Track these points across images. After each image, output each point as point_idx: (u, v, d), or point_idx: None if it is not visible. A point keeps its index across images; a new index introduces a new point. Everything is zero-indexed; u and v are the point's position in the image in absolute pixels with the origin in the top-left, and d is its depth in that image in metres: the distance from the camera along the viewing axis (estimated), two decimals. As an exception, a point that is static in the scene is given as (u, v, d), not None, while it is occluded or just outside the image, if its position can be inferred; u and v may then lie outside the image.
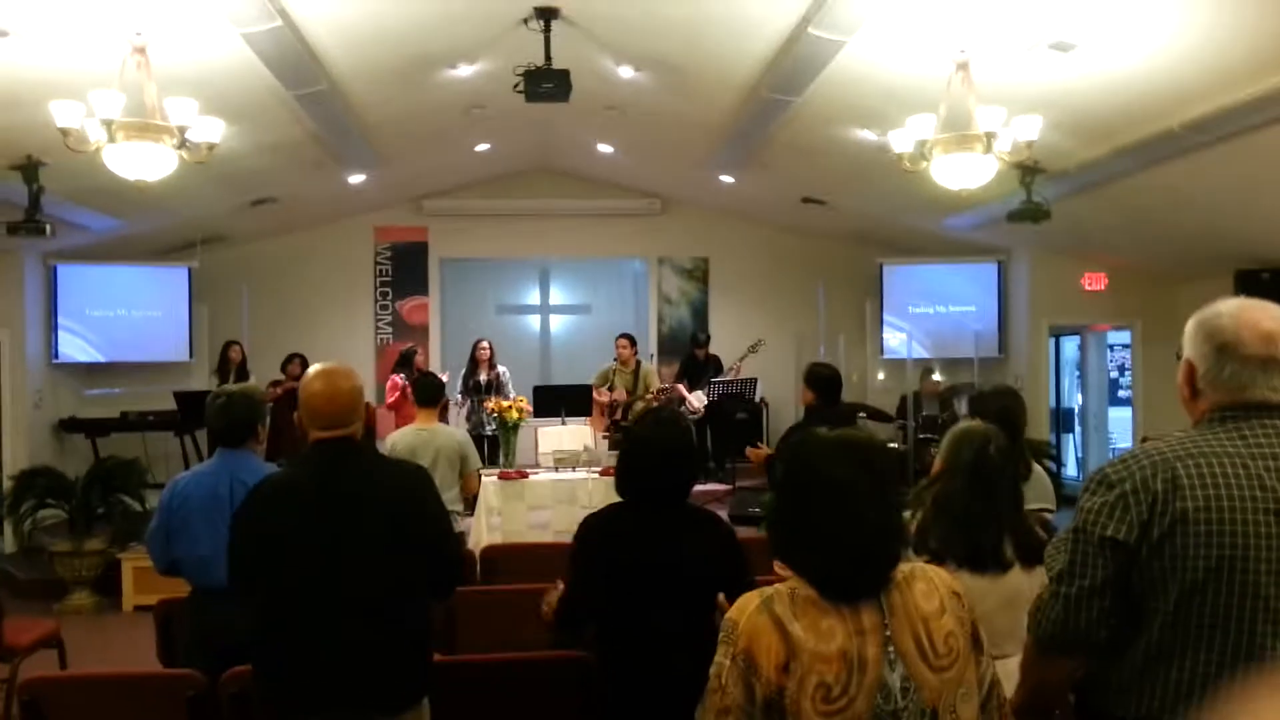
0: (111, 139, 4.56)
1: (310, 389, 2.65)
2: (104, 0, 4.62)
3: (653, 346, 11.51)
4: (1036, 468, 3.82)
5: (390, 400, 9.08)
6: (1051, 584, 1.93)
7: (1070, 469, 11.06)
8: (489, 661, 3.23)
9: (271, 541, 2.57)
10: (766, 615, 1.70)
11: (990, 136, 4.85)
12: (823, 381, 5.58)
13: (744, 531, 7.74)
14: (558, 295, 12.18)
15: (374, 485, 2.63)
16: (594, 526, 2.80)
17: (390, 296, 11.47)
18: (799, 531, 1.76)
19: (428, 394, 5.64)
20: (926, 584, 1.78)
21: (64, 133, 4.62)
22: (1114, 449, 10.98)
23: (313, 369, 2.73)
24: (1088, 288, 9.99)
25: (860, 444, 1.80)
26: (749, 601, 1.74)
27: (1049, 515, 3.72)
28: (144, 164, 4.68)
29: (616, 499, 7.25)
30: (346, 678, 2.51)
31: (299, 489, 2.63)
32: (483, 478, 6.90)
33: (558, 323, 12.17)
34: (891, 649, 1.68)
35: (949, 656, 1.72)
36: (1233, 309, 1.89)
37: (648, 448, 2.80)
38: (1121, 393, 11.41)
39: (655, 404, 9.33)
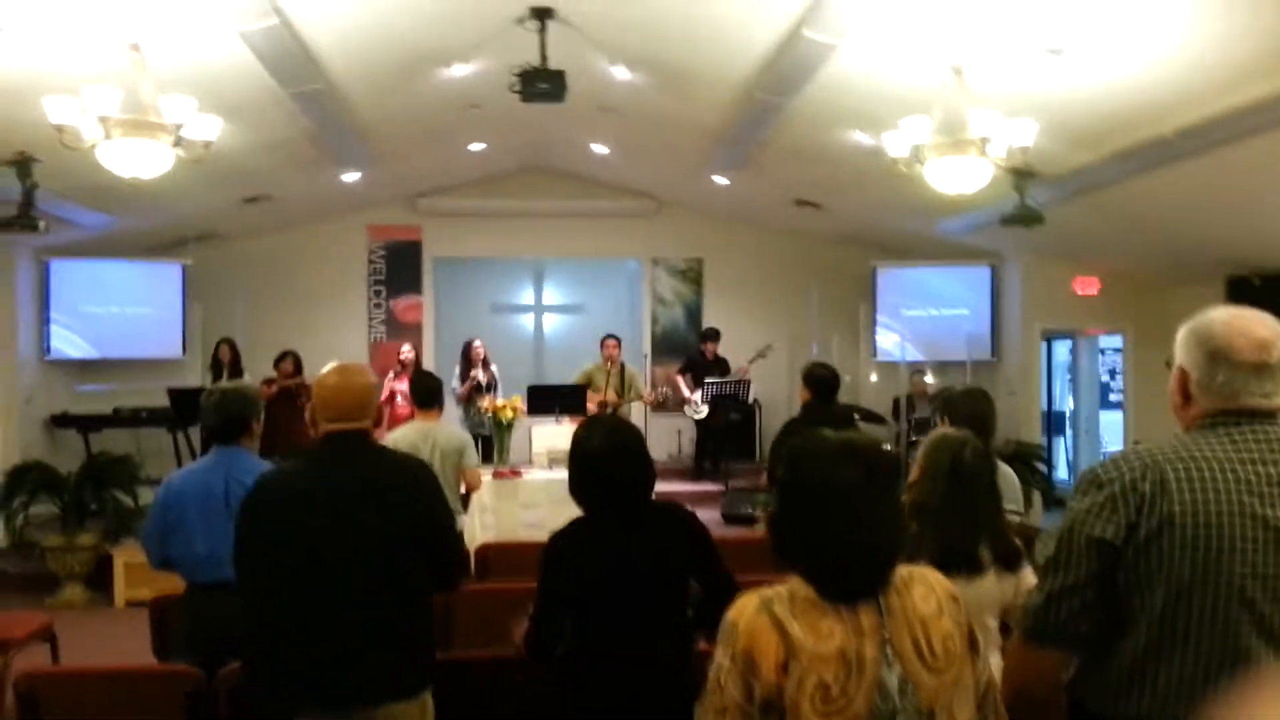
0: (107, 136, 4.55)
1: (324, 382, 2.73)
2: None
3: (646, 347, 11.52)
4: (1004, 467, 3.86)
5: (382, 398, 9.07)
6: (1039, 579, 1.97)
7: (1061, 472, 11.12)
8: (486, 659, 3.24)
9: (276, 532, 2.60)
10: (766, 616, 1.71)
11: (984, 141, 4.87)
12: (820, 382, 5.62)
13: (735, 531, 7.80)
14: (551, 295, 12.19)
15: (379, 478, 2.66)
16: (558, 546, 2.72)
17: (384, 295, 11.46)
18: (800, 532, 1.77)
19: (425, 395, 5.62)
20: (925, 587, 1.80)
21: (59, 129, 4.62)
22: (1105, 453, 11.04)
23: (329, 365, 2.82)
24: (1080, 292, 10.04)
25: (861, 446, 1.82)
26: (749, 602, 1.76)
27: (1015, 517, 3.77)
28: (140, 161, 4.68)
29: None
30: (346, 668, 2.53)
31: (304, 481, 2.67)
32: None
33: (551, 322, 12.17)
34: (889, 650, 1.70)
35: (946, 658, 1.74)
36: (1225, 317, 1.92)
37: (592, 458, 2.72)
38: (1113, 396, 11.47)
39: (649, 404, 9.38)
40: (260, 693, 2.63)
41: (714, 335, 10.34)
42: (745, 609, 1.75)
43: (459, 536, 2.80)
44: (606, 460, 2.71)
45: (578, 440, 2.81)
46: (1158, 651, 1.83)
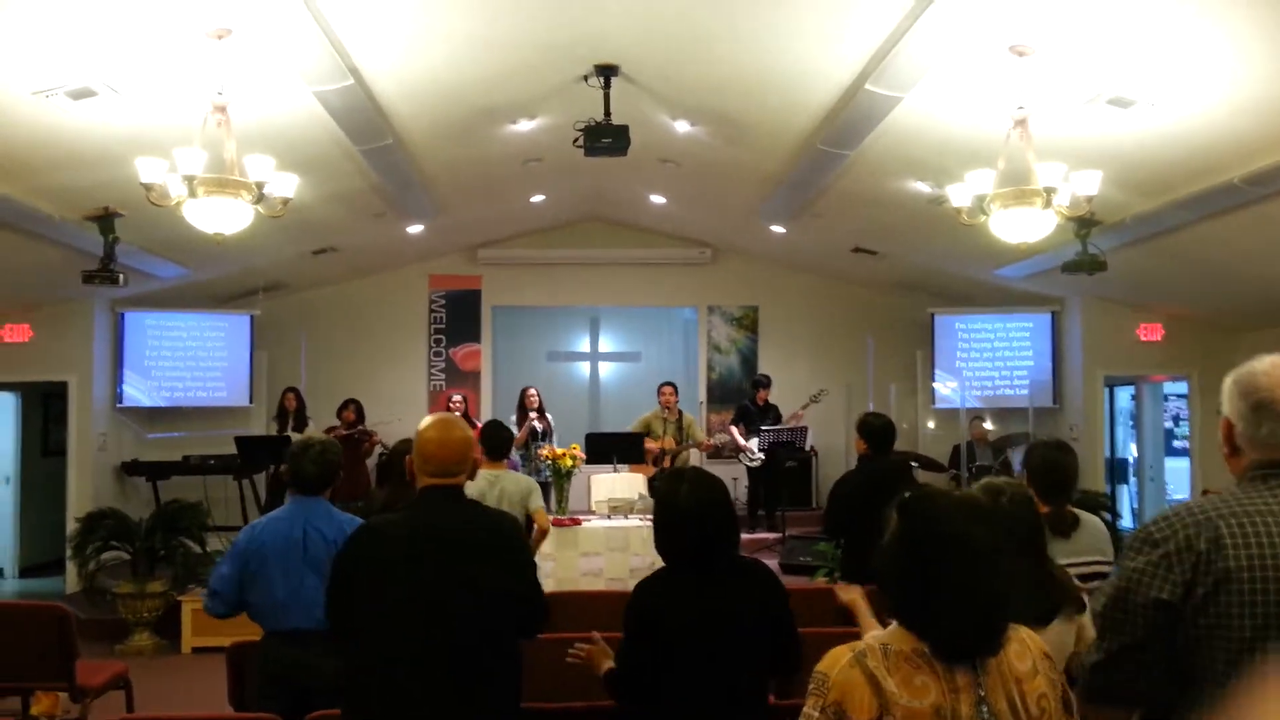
0: (192, 194, 4.72)
1: (425, 436, 2.78)
2: (186, 60, 4.82)
3: (702, 394, 11.56)
4: (1090, 518, 3.79)
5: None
6: (1096, 637, 1.95)
7: (1126, 520, 10.89)
8: (554, 710, 3.24)
9: (376, 580, 2.64)
10: (859, 669, 1.72)
11: (1050, 192, 4.86)
12: (875, 432, 5.60)
13: (795, 580, 7.73)
14: (607, 343, 12.28)
15: (477, 533, 2.71)
16: (645, 593, 2.74)
17: (444, 343, 11.64)
18: (924, 588, 1.76)
19: (499, 446, 5.67)
20: (1019, 645, 1.80)
21: (147, 188, 4.79)
22: (1170, 500, 10.81)
23: (429, 418, 2.88)
24: (1143, 338, 9.91)
25: (983, 505, 1.83)
26: (840, 655, 1.77)
27: (1106, 568, 3.68)
28: (222, 218, 4.83)
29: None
30: (437, 716, 2.56)
31: (406, 532, 2.72)
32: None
33: (607, 370, 12.25)
34: (985, 708, 1.70)
35: (1042, 718, 1.73)
36: (1268, 366, 1.91)
37: (676, 512, 2.73)
38: (1176, 443, 11.26)
39: (706, 451, 9.39)
40: None
41: (765, 382, 10.34)
42: (837, 661, 1.76)
43: (541, 590, 2.83)
44: (693, 514, 2.72)
45: (662, 494, 2.82)
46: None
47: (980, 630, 1.74)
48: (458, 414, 9.70)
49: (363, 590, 2.65)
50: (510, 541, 2.77)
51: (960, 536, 1.75)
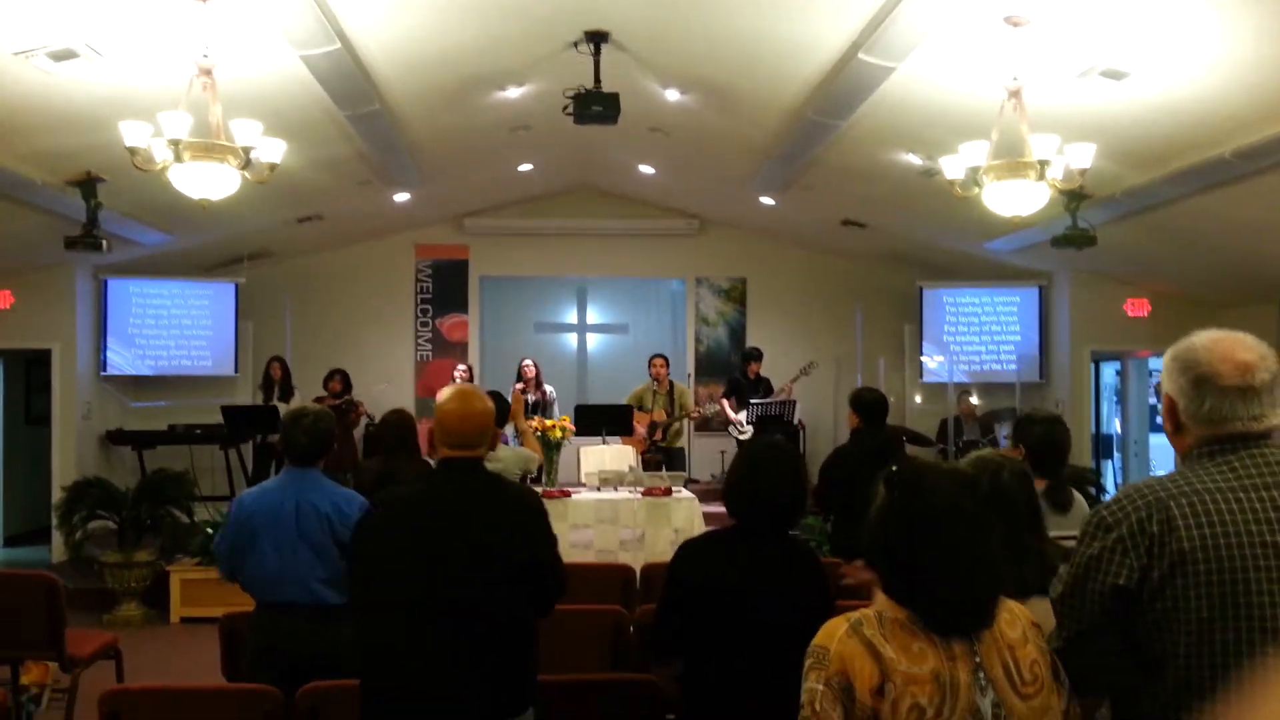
0: (178, 159, 4.65)
1: (445, 408, 2.78)
2: (170, 23, 4.74)
3: (690, 367, 11.55)
4: (1078, 497, 3.82)
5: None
6: (1056, 625, 1.96)
7: (1111, 495, 10.98)
8: (548, 683, 3.24)
9: (394, 553, 2.64)
10: (857, 639, 1.72)
11: (1043, 164, 4.85)
12: (868, 406, 5.65)
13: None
14: (595, 314, 12.25)
15: (492, 506, 2.70)
16: (691, 552, 2.83)
17: (430, 313, 11.58)
18: (913, 561, 1.75)
19: (496, 416, 5.61)
20: (1009, 614, 1.81)
21: (132, 152, 4.72)
22: (1155, 475, 10.88)
23: (449, 388, 2.88)
24: (1130, 313, 9.95)
25: (971, 477, 1.83)
26: (837, 626, 1.77)
27: None
28: (208, 183, 4.77)
29: (657, 519, 7.20)
30: (454, 688, 2.57)
31: (421, 505, 2.71)
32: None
33: (595, 341, 12.23)
34: (982, 674, 1.71)
35: (1035, 684, 1.75)
36: (1206, 341, 1.89)
37: (732, 472, 2.86)
38: (1160, 418, 11.34)
39: (695, 421, 9.39)
40: (367, 712, 2.65)
41: (756, 355, 10.32)
42: (834, 633, 1.75)
43: (561, 561, 2.83)
44: (744, 479, 2.85)
45: (745, 453, 2.96)
46: (1187, 692, 1.79)
47: (971, 602, 1.74)
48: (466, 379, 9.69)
49: (380, 562, 2.65)
50: (529, 514, 2.74)
51: (950, 509, 1.75)
